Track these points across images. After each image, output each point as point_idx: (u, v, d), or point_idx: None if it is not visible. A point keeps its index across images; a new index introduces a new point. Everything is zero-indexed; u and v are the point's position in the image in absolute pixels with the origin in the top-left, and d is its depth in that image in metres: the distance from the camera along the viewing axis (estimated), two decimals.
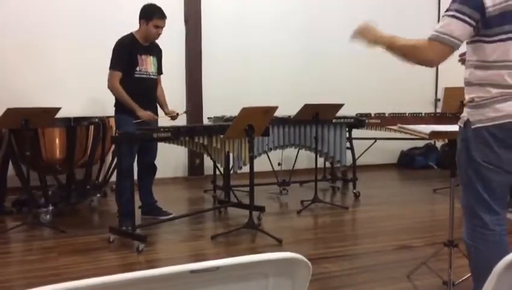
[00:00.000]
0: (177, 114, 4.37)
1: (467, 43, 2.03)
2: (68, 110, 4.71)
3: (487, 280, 0.98)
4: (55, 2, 5.58)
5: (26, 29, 5.44)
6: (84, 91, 5.62)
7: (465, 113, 2.05)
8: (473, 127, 1.99)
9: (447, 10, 1.96)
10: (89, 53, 5.47)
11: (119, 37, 4.14)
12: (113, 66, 4.08)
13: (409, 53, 2.03)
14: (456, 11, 1.91)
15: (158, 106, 4.40)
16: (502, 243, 2.04)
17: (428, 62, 2.00)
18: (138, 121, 4.01)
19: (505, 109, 1.93)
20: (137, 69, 4.11)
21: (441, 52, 1.95)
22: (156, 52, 4.29)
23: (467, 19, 1.90)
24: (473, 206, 2.06)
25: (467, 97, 2.05)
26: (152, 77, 4.23)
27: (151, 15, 4.07)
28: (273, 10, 6.61)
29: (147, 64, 4.18)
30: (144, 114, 4.05)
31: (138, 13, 4.13)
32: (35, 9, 5.49)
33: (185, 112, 4.39)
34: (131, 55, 4.08)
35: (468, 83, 2.05)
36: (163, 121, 4.40)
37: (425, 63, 2.00)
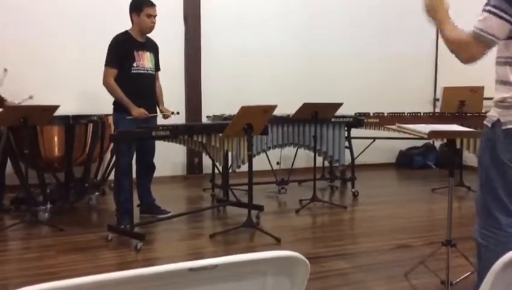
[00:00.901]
0: (172, 113, 4.36)
1: None
2: (67, 108, 4.71)
3: (484, 279, 0.98)
4: (55, 1, 5.57)
5: (26, 28, 5.44)
6: (83, 89, 5.62)
7: (495, 113, 2.02)
8: (503, 127, 1.97)
9: (486, 5, 1.91)
10: (88, 51, 5.47)
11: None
12: (107, 63, 4.10)
13: (449, 44, 1.99)
14: (494, 7, 1.86)
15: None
16: None
17: (464, 60, 1.97)
18: (130, 117, 4.02)
19: None
20: (134, 64, 4.11)
21: (478, 51, 1.91)
22: (153, 48, 4.29)
23: (504, 15, 1.85)
24: (490, 206, 2.05)
25: (498, 96, 2.01)
26: (150, 72, 4.23)
27: (141, 5, 4.09)
28: (273, 9, 6.61)
29: (144, 59, 4.18)
30: (136, 112, 4.05)
31: None
32: (35, 9, 5.48)
33: (177, 113, 4.38)
34: (126, 51, 4.09)
35: (500, 82, 2.01)
36: (161, 118, 4.39)
37: (462, 60, 1.97)
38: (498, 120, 2.00)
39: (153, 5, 4.13)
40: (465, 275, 2.81)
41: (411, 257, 3.26)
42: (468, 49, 1.92)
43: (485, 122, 2.08)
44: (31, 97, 4.80)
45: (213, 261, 0.87)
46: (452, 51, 1.98)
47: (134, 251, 3.49)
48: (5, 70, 4.73)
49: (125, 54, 4.09)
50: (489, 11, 1.87)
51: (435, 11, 2.06)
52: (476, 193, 2.14)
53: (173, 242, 3.80)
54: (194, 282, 0.89)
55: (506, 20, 1.86)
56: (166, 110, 4.35)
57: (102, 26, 5.34)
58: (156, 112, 4.34)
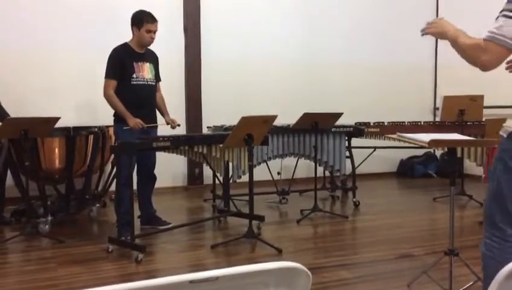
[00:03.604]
0: (178, 124, 4.37)
1: None
2: (67, 119, 4.72)
3: (488, 289, 0.97)
4: (56, 12, 5.60)
5: (27, 40, 5.46)
6: (83, 101, 5.64)
7: (511, 124, 2.00)
8: None
9: (501, 11, 1.87)
10: (88, 63, 5.49)
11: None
12: (107, 75, 4.13)
13: (466, 51, 1.92)
14: (509, 11, 1.82)
15: (158, 113, 4.41)
16: None
17: (482, 64, 1.90)
18: (127, 127, 4.03)
19: None
20: (134, 76, 4.13)
21: (496, 55, 1.86)
22: (153, 59, 4.31)
23: None
24: (496, 217, 2.01)
25: None
26: (150, 83, 4.25)
27: (142, 20, 4.11)
28: (273, 19, 6.64)
29: (144, 71, 4.20)
30: (132, 122, 4.05)
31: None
32: (36, 21, 5.51)
33: (178, 125, 4.38)
34: (126, 63, 4.11)
35: None
36: (163, 129, 4.39)
37: (479, 65, 1.90)
38: None
39: (154, 21, 4.14)
40: (468, 285, 2.80)
41: (413, 267, 3.25)
42: (488, 52, 1.86)
43: (500, 132, 2.06)
44: None
45: (214, 273, 0.87)
46: (472, 58, 1.91)
47: (135, 262, 3.48)
48: None
49: (125, 65, 4.11)
50: (505, 16, 1.84)
51: (444, 31, 2.02)
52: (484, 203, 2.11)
53: (174, 253, 3.78)
54: None
55: None
56: (172, 120, 4.35)
57: (103, 38, 5.38)
58: (156, 123, 4.34)
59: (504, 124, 2.06)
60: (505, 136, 2.02)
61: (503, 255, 1.99)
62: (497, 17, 1.88)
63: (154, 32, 4.16)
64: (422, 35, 2.13)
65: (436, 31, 2.07)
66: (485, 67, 1.90)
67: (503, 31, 1.83)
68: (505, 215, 1.99)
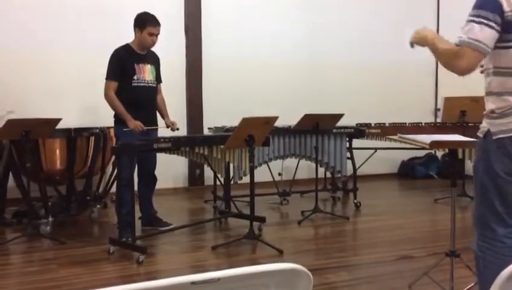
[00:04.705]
0: (177, 128, 4.37)
1: None
2: (69, 121, 4.72)
3: None
4: (56, 12, 5.61)
5: (28, 40, 5.46)
6: (84, 102, 5.64)
7: (485, 124, 2.03)
8: (494, 137, 1.97)
9: (471, 15, 1.91)
10: (89, 64, 5.49)
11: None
12: (108, 76, 4.13)
13: (444, 56, 1.96)
14: (479, 16, 1.87)
15: (158, 115, 4.41)
16: None
17: (459, 70, 1.93)
18: (127, 129, 4.03)
19: None
20: (135, 77, 4.13)
21: (474, 60, 1.90)
22: (154, 61, 4.31)
23: (491, 23, 1.86)
24: (486, 218, 2.04)
25: (487, 108, 2.03)
26: (151, 85, 4.25)
27: (144, 23, 4.10)
28: (274, 20, 6.64)
29: (145, 72, 4.19)
30: (132, 124, 4.04)
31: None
32: (36, 23, 5.52)
33: (177, 129, 4.38)
34: (127, 64, 4.10)
35: (488, 93, 2.03)
36: (164, 130, 4.39)
37: (456, 70, 1.94)
38: (489, 130, 2.01)
39: (157, 24, 4.13)
40: (469, 286, 2.79)
41: (414, 268, 3.24)
42: (466, 57, 1.89)
43: (478, 133, 2.10)
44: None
45: (216, 275, 0.87)
46: (449, 61, 1.94)
47: (136, 263, 3.48)
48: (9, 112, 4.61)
49: (126, 67, 4.11)
50: (473, 21, 1.88)
51: (425, 38, 2.05)
52: (472, 204, 2.13)
53: (175, 255, 3.78)
54: None
55: (494, 28, 1.87)
56: (172, 123, 4.35)
57: (103, 38, 5.38)
58: (157, 125, 4.34)
59: (481, 125, 2.07)
60: (481, 136, 2.05)
61: (496, 256, 2.01)
62: (467, 21, 1.91)
63: (156, 36, 4.15)
64: (412, 47, 2.16)
65: (418, 37, 2.09)
66: (462, 72, 1.93)
67: (476, 36, 1.86)
68: (495, 215, 2.01)
